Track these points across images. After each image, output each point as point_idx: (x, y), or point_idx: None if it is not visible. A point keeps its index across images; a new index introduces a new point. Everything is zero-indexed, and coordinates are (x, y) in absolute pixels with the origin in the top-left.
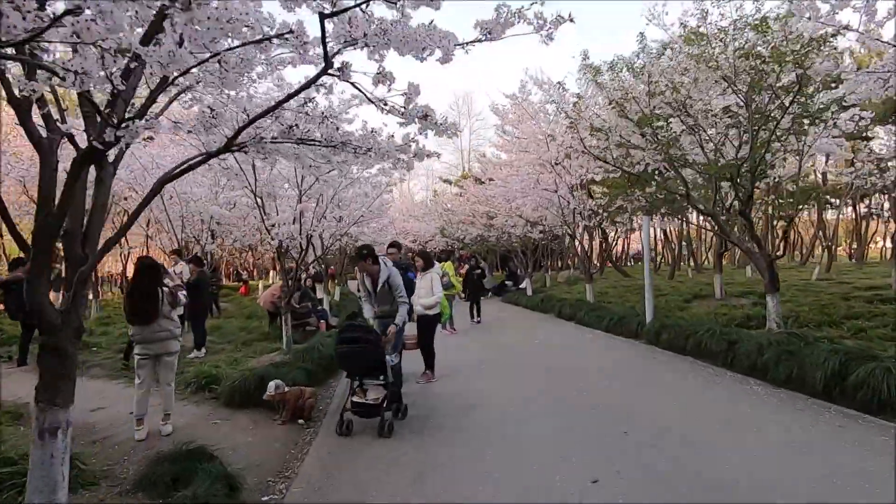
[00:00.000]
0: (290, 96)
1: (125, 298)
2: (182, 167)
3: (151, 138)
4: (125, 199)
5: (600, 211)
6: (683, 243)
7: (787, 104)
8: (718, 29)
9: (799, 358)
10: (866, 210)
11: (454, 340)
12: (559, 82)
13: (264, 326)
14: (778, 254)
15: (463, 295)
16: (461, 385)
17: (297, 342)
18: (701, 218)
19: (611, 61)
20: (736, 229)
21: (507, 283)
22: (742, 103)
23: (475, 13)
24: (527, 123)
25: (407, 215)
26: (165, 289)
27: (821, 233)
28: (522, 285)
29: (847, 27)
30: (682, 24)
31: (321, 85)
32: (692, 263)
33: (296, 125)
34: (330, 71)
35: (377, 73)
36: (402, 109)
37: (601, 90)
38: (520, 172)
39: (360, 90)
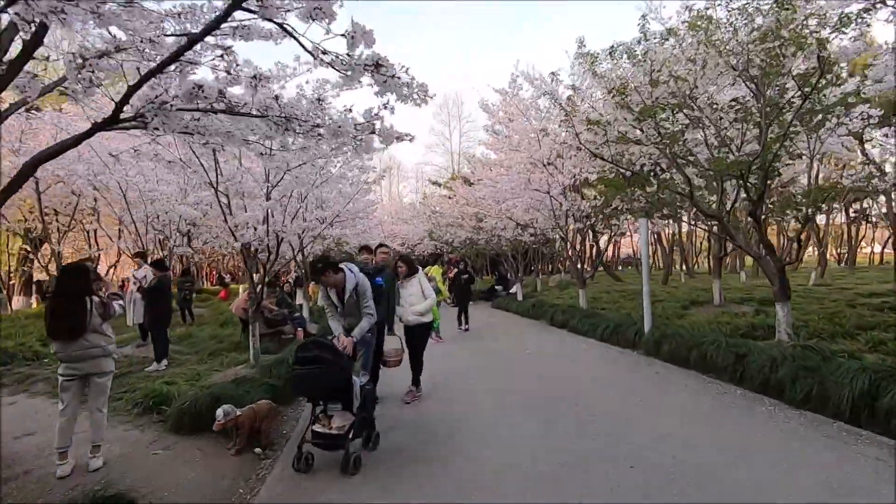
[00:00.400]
0: (192, 41)
1: (45, 310)
2: (57, 146)
3: (27, 103)
4: (93, 199)
5: (594, 213)
6: (675, 247)
7: (808, 92)
8: (731, 10)
9: (819, 375)
10: (855, 214)
11: (440, 349)
12: (553, 72)
13: (237, 335)
14: (788, 259)
15: (450, 300)
16: (444, 404)
17: (272, 352)
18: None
19: (610, 47)
20: (742, 233)
21: (496, 287)
22: (753, 94)
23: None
24: (518, 121)
25: (395, 218)
26: (96, 298)
27: (810, 238)
28: (513, 290)
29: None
30: (686, 7)
31: (238, 27)
32: (684, 268)
33: (199, 88)
34: (245, 4)
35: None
36: (345, 58)
37: (598, 81)
38: (510, 172)
39: (286, 31)
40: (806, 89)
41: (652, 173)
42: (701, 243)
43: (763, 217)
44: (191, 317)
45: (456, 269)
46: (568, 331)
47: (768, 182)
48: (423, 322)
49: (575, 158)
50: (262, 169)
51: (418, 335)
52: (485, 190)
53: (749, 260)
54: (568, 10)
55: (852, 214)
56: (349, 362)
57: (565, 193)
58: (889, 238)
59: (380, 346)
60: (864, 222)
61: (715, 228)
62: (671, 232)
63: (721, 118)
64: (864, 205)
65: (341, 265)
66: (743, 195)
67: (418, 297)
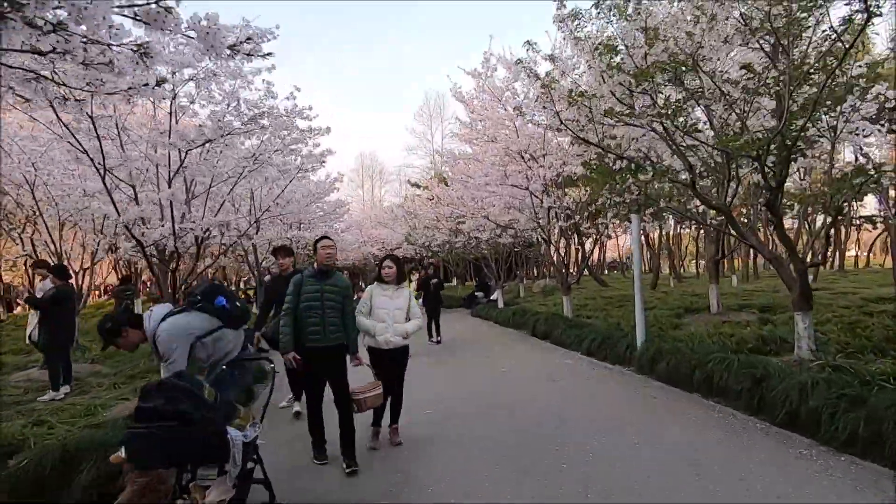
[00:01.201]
0: None
1: None
2: None
3: None
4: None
5: (578, 210)
6: (662, 250)
7: (847, 48)
8: None
9: (865, 408)
10: (840, 216)
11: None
12: (528, 41)
13: None
14: (815, 260)
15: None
16: (393, 460)
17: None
18: (686, 221)
19: (595, 2)
20: (750, 230)
21: (477, 294)
22: (769, 56)
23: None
24: (492, 108)
25: (375, 222)
26: None
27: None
28: (494, 297)
29: None
30: None
31: None
32: (672, 272)
33: None
34: None
35: None
36: None
37: (582, 48)
38: (484, 165)
39: None
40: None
41: (646, 160)
42: (687, 246)
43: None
44: None
45: (423, 273)
46: (551, 342)
47: (792, 161)
48: (404, 346)
49: (557, 152)
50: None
51: (401, 360)
52: (458, 186)
53: (741, 262)
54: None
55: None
56: (220, 409)
57: (547, 190)
58: (874, 241)
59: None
60: (849, 224)
61: (709, 226)
62: (658, 234)
63: (728, 92)
64: (846, 207)
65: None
66: (757, 182)
67: (403, 312)
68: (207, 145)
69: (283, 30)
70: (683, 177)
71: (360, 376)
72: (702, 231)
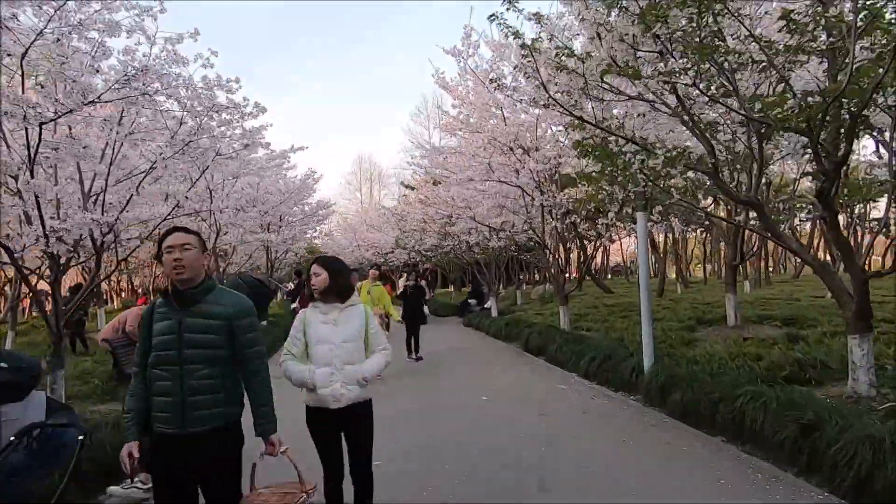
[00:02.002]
0: None
1: None
2: None
3: None
4: None
5: (575, 208)
6: (667, 254)
7: None
8: None
9: None
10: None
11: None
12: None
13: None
14: (876, 269)
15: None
16: None
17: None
18: (692, 223)
19: None
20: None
21: (470, 301)
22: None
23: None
24: (478, 94)
25: (369, 226)
26: None
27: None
28: (488, 304)
29: None
30: None
31: None
32: (678, 277)
33: None
34: None
35: None
36: None
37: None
38: (466, 155)
39: None
40: None
41: (655, 145)
42: (693, 250)
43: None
44: (83, 345)
45: (408, 280)
46: (545, 359)
47: (857, 137)
48: (365, 400)
49: (551, 144)
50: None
51: (361, 425)
52: (448, 186)
53: (753, 266)
54: None
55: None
56: None
57: (540, 185)
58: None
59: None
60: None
61: (734, 223)
62: (664, 237)
63: (765, 40)
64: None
65: None
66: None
67: (358, 345)
68: (64, 118)
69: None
70: (706, 161)
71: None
72: (708, 234)
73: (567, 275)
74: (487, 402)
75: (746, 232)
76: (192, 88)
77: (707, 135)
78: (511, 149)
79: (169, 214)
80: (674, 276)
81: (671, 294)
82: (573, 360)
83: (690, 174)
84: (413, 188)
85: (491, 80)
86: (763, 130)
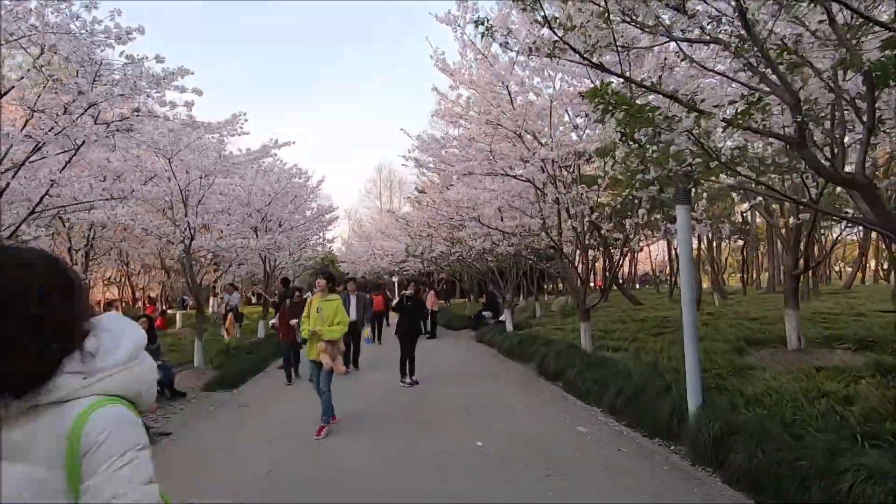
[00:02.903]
0: None
1: None
2: None
3: None
4: None
5: (596, 205)
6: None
7: None
8: None
9: None
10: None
11: (325, 446)
12: None
13: None
14: None
15: (372, 338)
16: None
17: None
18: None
19: None
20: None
21: (484, 314)
22: None
23: None
24: (480, 71)
25: (383, 233)
26: None
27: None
28: (503, 317)
29: None
30: None
31: None
32: (714, 287)
33: None
34: None
35: None
36: None
37: None
38: (464, 139)
39: None
40: None
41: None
42: (726, 258)
43: None
44: None
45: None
46: (563, 387)
47: None
48: None
49: (563, 134)
50: None
51: None
52: (446, 182)
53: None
54: None
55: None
56: None
57: (554, 178)
58: None
59: None
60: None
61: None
62: (698, 244)
63: None
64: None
65: None
66: None
67: None
68: None
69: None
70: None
71: None
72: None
73: (590, 284)
74: (481, 450)
75: (798, 235)
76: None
77: (790, 79)
78: (519, 135)
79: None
80: (705, 285)
81: (708, 307)
82: (596, 391)
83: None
84: (423, 191)
85: (476, 22)
86: (878, 75)
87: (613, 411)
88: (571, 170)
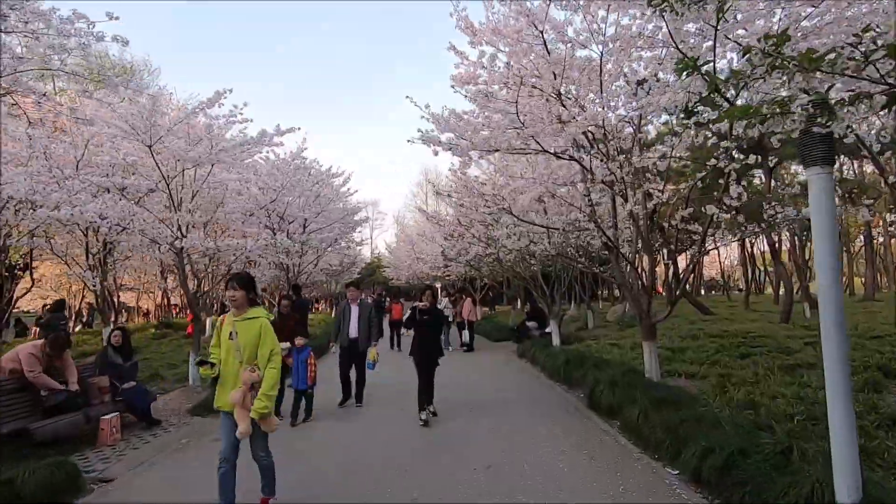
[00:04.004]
0: None
1: None
2: None
3: None
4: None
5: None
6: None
7: None
8: None
9: None
10: None
11: None
12: None
13: None
14: None
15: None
16: None
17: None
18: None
19: None
20: None
21: (529, 324)
22: None
23: None
24: (506, 21)
25: (422, 236)
26: None
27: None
28: (549, 329)
29: None
30: None
31: None
32: (803, 295)
33: None
34: None
35: None
36: None
37: None
38: (482, 104)
39: None
40: None
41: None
42: (809, 263)
43: None
44: None
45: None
46: (621, 430)
47: None
48: None
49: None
50: None
51: None
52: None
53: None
54: None
55: None
56: None
57: (607, 149)
58: None
59: None
60: None
61: None
62: (763, 245)
63: None
64: None
65: None
66: None
67: None
68: None
69: None
70: None
71: None
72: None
73: (652, 293)
74: None
75: None
76: None
77: None
78: (558, 94)
79: None
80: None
81: (799, 320)
82: (669, 445)
83: None
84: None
85: None
86: None
87: (698, 479)
88: (629, 142)
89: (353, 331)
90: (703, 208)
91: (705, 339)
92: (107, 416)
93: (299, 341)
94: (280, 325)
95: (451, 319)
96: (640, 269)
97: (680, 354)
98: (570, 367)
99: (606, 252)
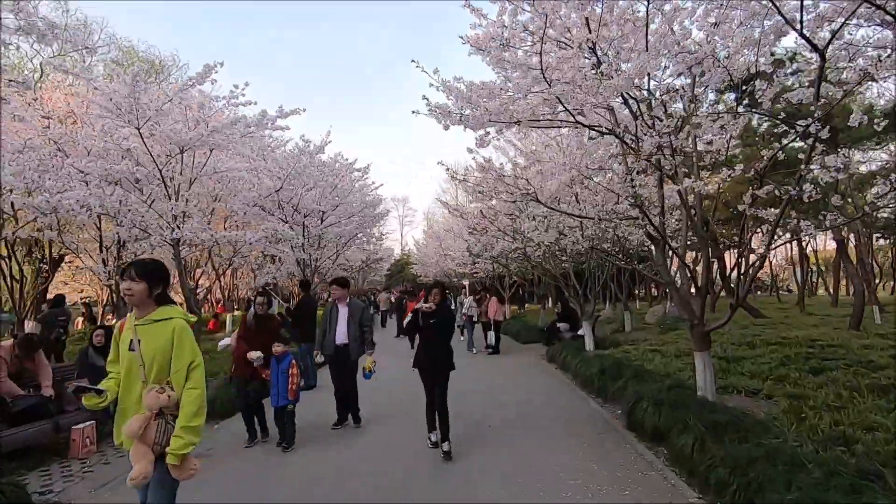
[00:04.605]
0: None
1: None
2: None
3: None
4: None
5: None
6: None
7: None
8: None
9: None
10: None
11: None
12: None
13: None
14: None
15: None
16: None
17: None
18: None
19: None
20: None
21: (560, 325)
22: None
23: None
24: None
25: (452, 233)
26: None
27: None
28: (582, 331)
29: None
30: None
31: None
32: (871, 299)
33: None
34: None
35: None
36: None
37: None
38: (501, 62)
39: None
40: None
41: None
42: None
43: None
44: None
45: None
46: (668, 464)
47: None
48: None
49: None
50: None
51: None
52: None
53: None
54: None
55: None
56: None
57: (653, 119)
58: None
59: None
60: None
61: None
62: (825, 242)
63: None
64: None
65: None
66: None
67: None
68: None
69: None
70: None
71: None
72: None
73: (706, 297)
74: None
75: None
76: None
77: None
78: (593, 46)
79: None
80: (844, 292)
81: (870, 325)
82: (738, 491)
83: None
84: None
85: None
86: None
87: None
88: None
89: (341, 336)
90: (776, 190)
91: (763, 347)
92: (79, 426)
93: (277, 348)
94: (256, 330)
95: (475, 319)
96: (692, 266)
97: (736, 366)
98: (605, 377)
99: (647, 247)
